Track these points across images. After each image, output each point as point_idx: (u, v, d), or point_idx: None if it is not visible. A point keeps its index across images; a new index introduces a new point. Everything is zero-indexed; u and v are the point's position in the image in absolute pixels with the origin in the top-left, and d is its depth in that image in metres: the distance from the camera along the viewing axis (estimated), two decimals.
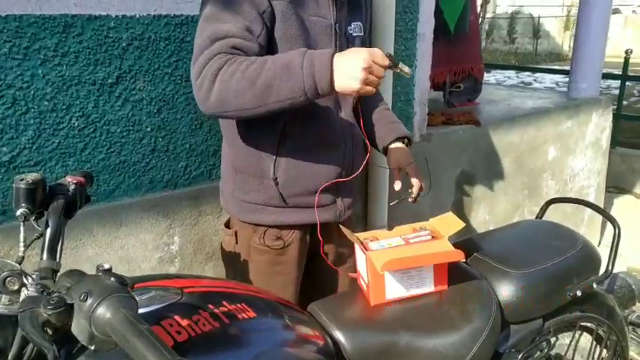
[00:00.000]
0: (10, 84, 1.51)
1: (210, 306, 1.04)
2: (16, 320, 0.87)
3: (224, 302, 1.07)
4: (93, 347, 0.74)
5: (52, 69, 1.57)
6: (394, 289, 1.30)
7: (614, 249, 1.51)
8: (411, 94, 2.48)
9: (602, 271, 1.53)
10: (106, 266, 0.81)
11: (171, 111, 1.80)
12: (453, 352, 1.23)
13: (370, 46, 1.51)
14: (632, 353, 1.77)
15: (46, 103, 1.58)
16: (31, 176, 1.04)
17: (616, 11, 18.36)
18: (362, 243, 1.33)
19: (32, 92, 1.55)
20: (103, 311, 0.72)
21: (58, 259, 0.99)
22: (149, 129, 1.77)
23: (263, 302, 1.15)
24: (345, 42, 1.45)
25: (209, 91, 1.23)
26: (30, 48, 1.52)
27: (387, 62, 1.20)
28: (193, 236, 1.92)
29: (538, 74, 12.00)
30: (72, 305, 0.76)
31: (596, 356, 1.64)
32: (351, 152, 1.51)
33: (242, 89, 1.20)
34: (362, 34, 1.52)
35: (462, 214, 2.81)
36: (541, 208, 1.72)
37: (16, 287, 0.87)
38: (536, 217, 1.72)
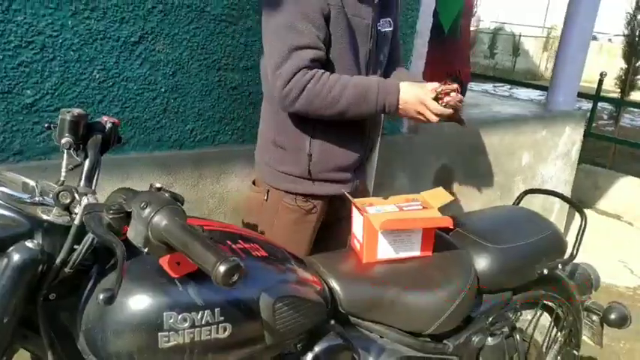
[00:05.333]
0: (40, 31, 1.61)
1: (229, 242, 1.16)
2: (64, 229, 0.98)
3: (240, 241, 1.19)
4: (146, 250, 0.86)
5: (81, 21, 1.67)
6: (385, 250, 1.44)
7: (580, 235, 1.69)
8: None
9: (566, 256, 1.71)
10: (158, 185, 0.93)
11: (185, 75, 1.91)
12: (432, 308, 1.38)
13: (393, 38, 1.75)
14: (584, 337, 1.94)
15: (72, 53, 1.67)
16: (76, 110, 1.14)
17: (592, 38, 18.90)
18: (358, 207, 1.47)
19: (60, 41, 1.65)
20: (160, 218, 0.84)
21: (94, 187, 1.10)
22: (163, 89, 1.88)
23: (272, 246, 1.28)
24: (376, 39, 1.66)
25: (295, 101, 1.49)
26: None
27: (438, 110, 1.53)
28: (193, 196, 2.03)
29: (514, 90, 12.40)
30: (129, 213, 0.88)
31: (552, 334, 1.82)
32: (372, 139, 1.77)
33: (325, 107, 1.51)
34: (391, 28, 1.71)
35: None
36: (518, 196, 1.89)
37: (67, 201, 0.98)
38: (513, 204, 1.89)
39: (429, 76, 3.23)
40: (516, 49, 17.18)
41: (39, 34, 1.61)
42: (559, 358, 1.85)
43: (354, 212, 1.49)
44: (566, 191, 3.93)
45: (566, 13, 3.57)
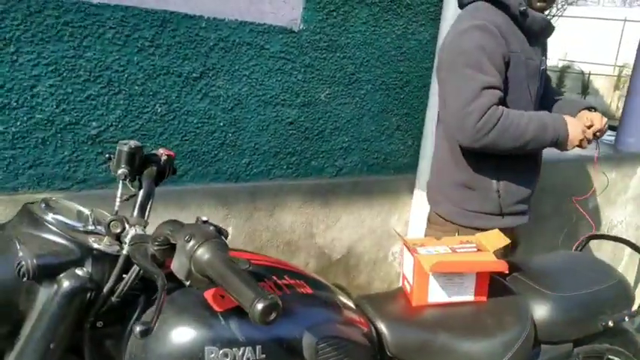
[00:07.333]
0: (108, 66, 1.69)
1: (274, 277, 1.15)
2: (114, 258, 1.00)
3: (285, 276, 1.18)
4: (188, 283, 0.87)
5: (145, 57, 1.74)
6: (436, 293, 1.39)
7: None
8: None
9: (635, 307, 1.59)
10: (204, 218, 0.94)
11: (243, 110, 1.95)
12: (485, 357, 1.31)
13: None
14: None
15: (137, 87, 1.74)
16: (133, 142, 1.18)
17: None
18: (409, 247, 1.43)
19: (126, 76, 1.72)
20: (203, 252, 0.85)
21: (146, 218, 1.12)
22: (222, 124, 1.92)
23: (319, 284, 1.26)
24: (540, 77, 1.87)
25: (487, 134, 1.63)
26: (130, 37, 1.70)
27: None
28: (247, 229, 2.04)
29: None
30: (174, 246, 0.89)
31: None
32: (540, 170, 1.96)
33: (513, 140, 1.66)
34: (545, 66, 1.93)
35: None
36: (580, 242, 1.80)
37: (118, 230, 1.00)
38: (575, 250, 1.79)
39: None
40: (586, 87, 16.66)
41: (106, 69, 1.68)
42: None
43: (405, 252, 1.46)
44: (638, 236, 3.71)
45: (638, 51, 3.43)
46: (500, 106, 1.65)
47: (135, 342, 1.01)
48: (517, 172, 1.83)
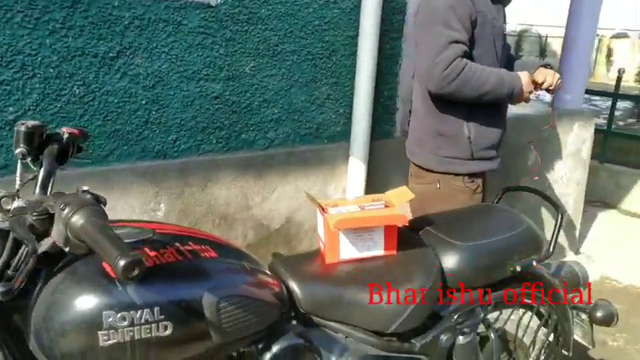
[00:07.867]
0: (20, 50, 1.68)
1: (177, 244, 1.19)
2: (6, 234, 1.03)
3: (190, 242, 1.22)
4: (67, 249, 0.90)
5: (58, 40, 1.73)
6: (347, 250, 1.45)
7: (556, 232, 1.66)
8: (394, 91, 2.64)
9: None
10: (85, 188, 0.97)
11: (165, 87, 1.96)
12: (392, 306, 1.37)
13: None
14: (576, 337, 1.89)
15: (51, 70, 1.74)
16: (32, 122, 1.20)
17: (623, 35, 18.46)
18: (322, 208, 1.49)
19: (39, 59, 1.72)
20: (78, 218, 0.88)
21: (48, 195, 1.15)
22: (144, 102, 1.93)
23: (227, 248, 1.31)
24: (504, 37, 2.10)
25: (452, 82, 1.87)
26: (40, 19, 1.69)
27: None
28: (178, 205, 2.07)
29: (539, 91, 12.18)
30: (53, 215, 0.92)
31: (539, 334, 1.78)
32: (506, 122, 2.19)
33: (473, 89, 1.90)
34: (506, 31, 2.17)
35: None
36: (496, 195, 1.88)
37: (9, 207, 1.03)
38: (493, 202, 1.87)
39: None
40: (543, 50, 16.91)
41: (18, 53, 1.68)
42: (544, 358, 1.81)
43: (317, 213, 1.51)
44: (580, 191, 3.84)
45: (569, 11, 3.51)
46: (465, 59, 1.87)
47: (38, 313, 1.05)
48: (485, 121, 2.04)
